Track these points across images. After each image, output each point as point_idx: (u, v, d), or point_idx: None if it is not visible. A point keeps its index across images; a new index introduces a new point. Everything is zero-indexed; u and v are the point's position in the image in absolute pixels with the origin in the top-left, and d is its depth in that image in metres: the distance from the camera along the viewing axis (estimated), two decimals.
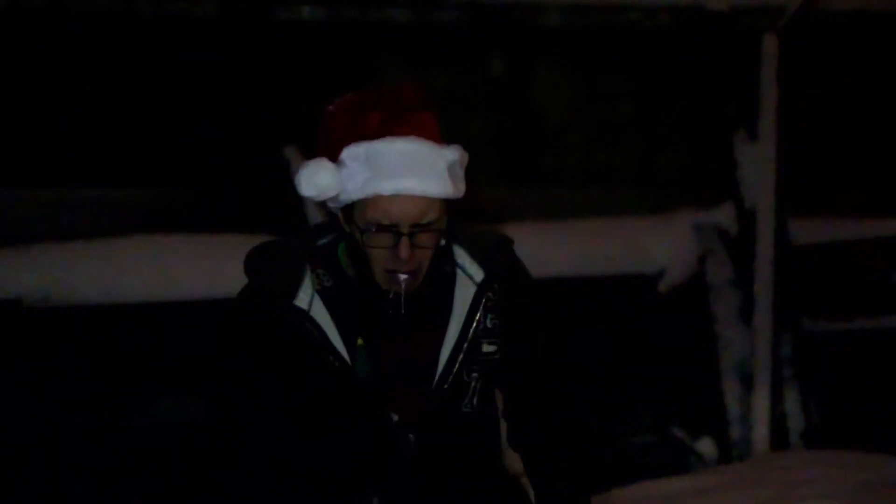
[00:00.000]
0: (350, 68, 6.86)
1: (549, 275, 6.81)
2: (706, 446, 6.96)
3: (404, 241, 3.06)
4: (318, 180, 3.15)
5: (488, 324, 3.14)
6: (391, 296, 3.07)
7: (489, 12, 6.94)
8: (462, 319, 3.15)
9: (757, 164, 7.09)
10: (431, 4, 6.84)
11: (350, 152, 3.12)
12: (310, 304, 3.13)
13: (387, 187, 3.06)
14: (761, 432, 6.83)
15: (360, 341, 3.10)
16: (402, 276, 3.06)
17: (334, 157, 3.15)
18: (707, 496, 5.81)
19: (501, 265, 3.25)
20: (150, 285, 6.38)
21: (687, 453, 7.01)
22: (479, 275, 3.19)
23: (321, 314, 3.12)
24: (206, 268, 6.47)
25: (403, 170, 3.06)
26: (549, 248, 6.88)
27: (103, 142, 6.64)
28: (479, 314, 3.14)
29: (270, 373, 3.10)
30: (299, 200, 6.65)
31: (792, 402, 6.92)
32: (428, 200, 3.07)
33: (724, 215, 7.17)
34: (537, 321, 3.28)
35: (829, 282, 7.20)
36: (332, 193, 3.13)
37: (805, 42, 7.26)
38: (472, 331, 3.14)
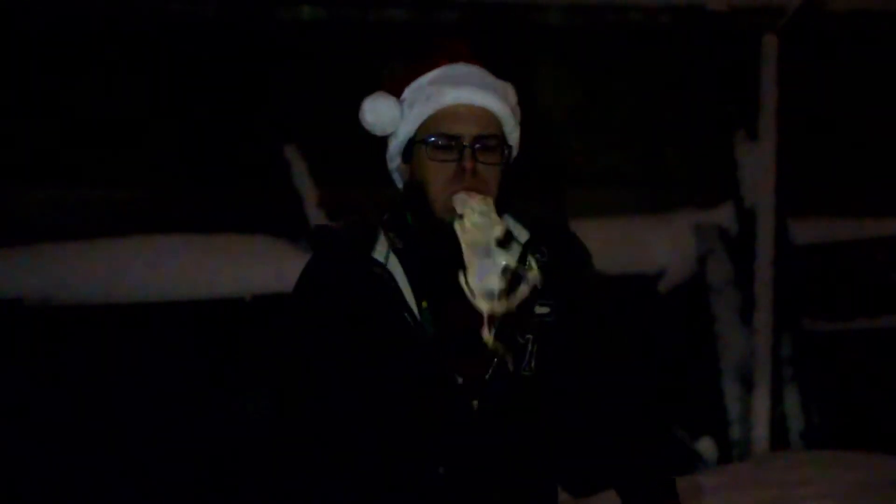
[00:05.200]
0: (350, 68, 6.86)
1: None
2: (706, 446, 6.96)
3: (467, 152, 3.10)
4: (379, 107, 3.21)
5: (538, 285, 3.14)
6: (451, 225, 3.07)
7: (489, 12, 6.94)
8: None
9: (757, 164, 7.09)
10: (431, 4, 6.85)
11: (412, 85, 3.21)
12: (386, 259, 3.16)
13: (449, 97, 3.14)
14: (761, 432, 6.83)
15: (424, 304, 3.12)
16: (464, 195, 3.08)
17: (395, 92, 3.23)
18: (707, 496, 5.81)
19: (549, 229, 3.28)
20: (150, 285, 6.39)
21: (687, 453, 7.01)
22: (524, 236, 3.22)
23: (397, 271, 3.15)
24: (206, 268, 6.48)
25: (465, 82, 3.14)
26: None
27: (103, 142, 6.64)
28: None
29: (345, 336, 3.11)
30: (299, 200, 6.65)
31: (792, 402, 6.92)
32: (489, 115, 3.16)
33: (724, 215, 7.17)
34: (594, 286, 3.30)
35: (829, 282, 7.21)
36: (393, 124, 3.18)
37: (805, 42, 7.26)
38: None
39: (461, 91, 3.16)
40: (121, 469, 6.35)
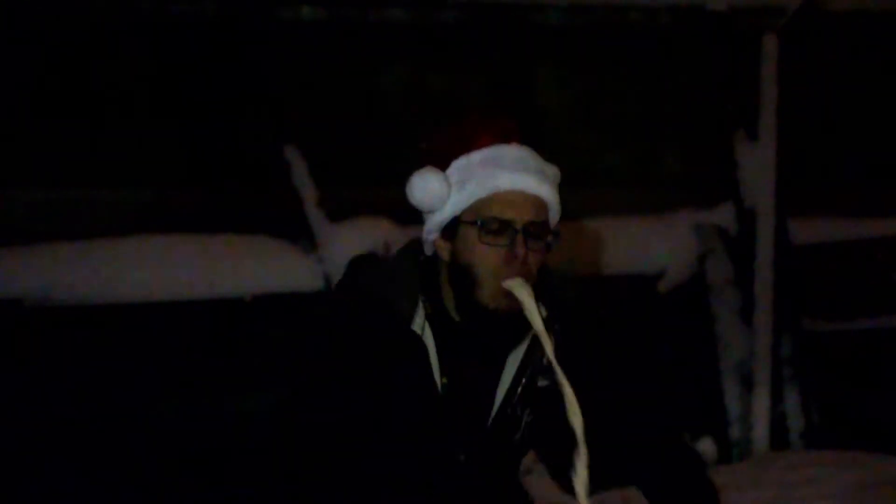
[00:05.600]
0: (350, 68, 6.86)
1: None
2: (706, 446, 6.96)
3: (519, 238, 3.09)
4: (430, 185, 3.16)
5: (545, 361, 3.15)
6: (498, 314, 3.06)
7: (489, 12, 6.94)
8: (520, 357, 3.19)
9: (757, 164, 7.09)
10: (431, 4, 6.84)
11: (461, 162, 3.17)
12: (423, 330, 3.15)
13: (505, 182, 3.11)
14: (761, 432, 6.83)
15: (444, 380, 3.13)
16: (516, 279, 3.07)
17: (441, 166, 3.18)
18: None
19: (565, 305, 3.27)
20: (150, 285, 6.39)
21: None
22: (543, 312, 3.20)
23: (430, 342, 3.15)
24: (206, 268, 6.47)
25: (521, 168, 3.12)
26: None
27: (103, 142, 6.64)
28: (536, 355, 3.17)
29: (366, 391, 3.11)
30: (299, 200, 6.65)
31: (792, 402, 6.92)
32: (540, 201, 3.13)
33: (724, 215, 7.17)
34: (604, 362, 3.30)
35: (829, 282, 7.20)
36: (442, 202, 3.14)
37: (805, 42, 7.26)
38: (528, 371, 3.17)
39: (516, 177, 3.13)
40: (121, 469, 6.35)
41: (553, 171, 3.23)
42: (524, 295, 3.07)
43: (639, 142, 7.33)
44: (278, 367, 5.98)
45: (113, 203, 6.60)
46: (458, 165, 3.18)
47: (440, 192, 3.15)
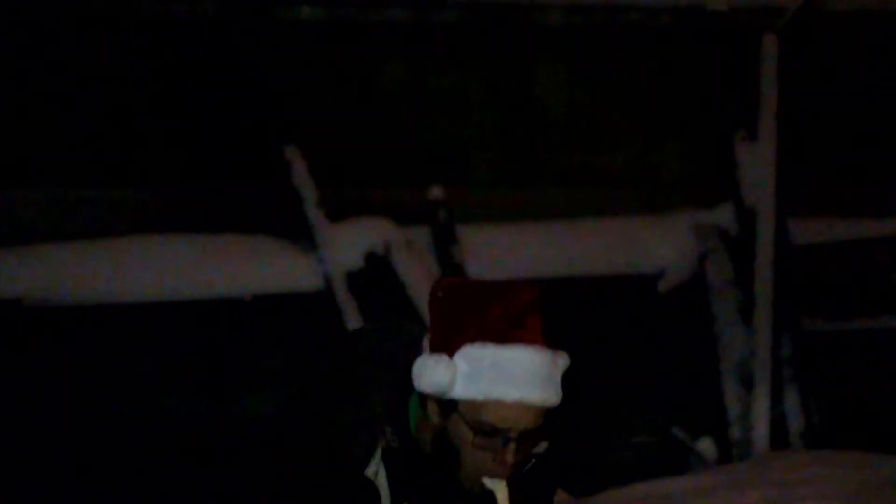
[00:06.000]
0: (350, 68, 6.86)
1: (550, 275, 6.82)
2: (706, 446, 6.96)
3: (512, 446, 3.07)
4: (438, 378, 3.12)
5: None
6: (472, 495, 3.07)
7: (489, 12, 6.94)
8: None
9: (757, 164, 7.09)
10: (431, 4, 6.85)
11: (472, 353, 3.11)
12: (376, 473, 3.13)
13: (512, 395, 3.07)
14: (761, 432, 6.83)
15: None
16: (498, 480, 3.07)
17: (450, 350, 3.12)
18: (707, 496, 5.81)
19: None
20: (150, 285, 6.39)
21: (687, 453, 7.01)
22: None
23: (382, 481, 3.13)
24: (206, 268, 6.48)
25: (529, 379, 3.06)
26: (549, 248, 6.88)
27: (103, 142, 6.64)
28: None
29: None
30: (299, 200, 6.65)
31: (792, 402, 6.92)
32: (542, 409, 3.10)
33: (724, 215, 7.17)
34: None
35: (829, 282, 7.21)
36: (446, 392, 3.11)
37: (805, 42, 7.26)
38: None
39: (525, 391, 3.09)
40: (120, 469, 6.35)
41: (563, 363, 3.17)
42: (500, 498, 3.08)
43: (639, 142, 7.34)
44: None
45: (113, 203, 6.61)
46: (468, 355, 3.12)
47: (448, 385, 3.12)
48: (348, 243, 6.62)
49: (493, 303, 3.07)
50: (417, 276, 6.59)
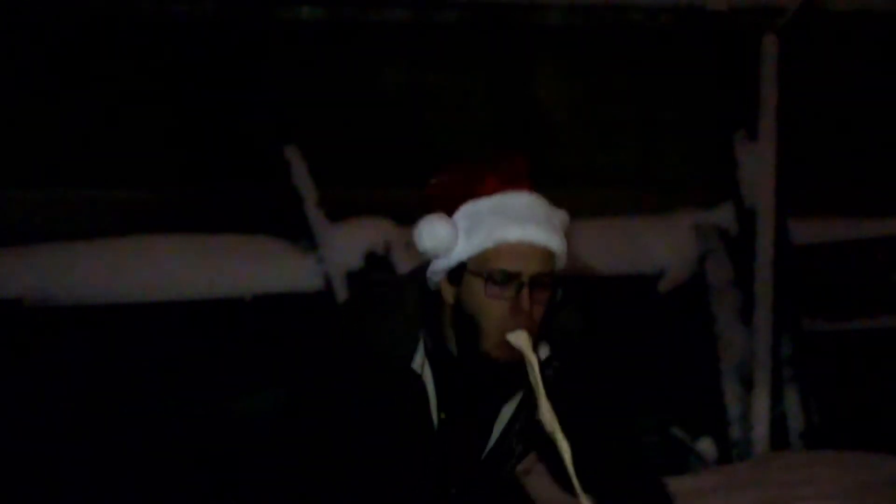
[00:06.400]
0: (350, 68, 6.86)
1: None
2: (706, 446, 6.96)
3: (525, 291, 3.07)
4: (438, 232, 3.13)
5: (538, 416, 3.15)
6: (500, 363, 3.05)
7: (489, 12, 6.94)
8: (519, 397, 3.19)
9: (757, 164, 7.09)
10: (431, 4, 6.84)
11: (469, 209, 3.14)
12: (422, 368, 3.15)
13: (514, 233, 3.09)
14: (761, 432, 6.83)
15: (442, 415, 3.12)
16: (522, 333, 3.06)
17: (448, 211, 3.15)
18: (707, 496, 5.81)
19: (567, 346, 3.27)
20: (150, 285, 6.39)
21: (687, 453, 7.01)
22: (543, 352, 3.20)
23: (428, 378, 3.14)
24: (206, 268, 6.48)
25: (529, 218, 3.11)
26: None
27: (103, 142, 6.64)
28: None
29: (363, 428, 3.11)
30: (299, 200, 6.65)
31: (792, 402, 6.92)
32: (548, 252, 3.11)
33: (724, 215, 7.17)
34: (603, 409, 3.30)
35: (829, 282, 7.20)
36: (450, 248, 3.12)
37: (805, 42, 7.26)
38: (527, 410, 3.17)
39: (526, 229, 3.11)
40: (120, 469, 6.35)
41: (561, 217, 3.21)
42: (526, 349, 3.06)
43: (639, 142, 7.33)
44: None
45: (113, 203, 6.61)
46: (467, 212, 3.15)
47: (448, 240, 3.13)
48: (348, 243, 6.62)
49: (490, 170, 3.12)
50: None
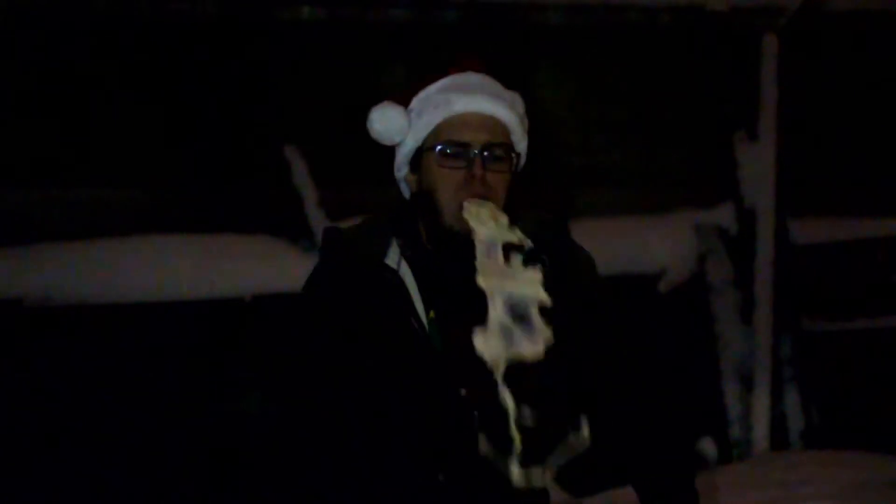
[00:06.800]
0: (350, 68, 6.86)
1: None
2: (706, 446, 6.96)
3: (476, 159, 3.11)
4: (388, 115, 3.23)
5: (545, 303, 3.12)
6: (462, 236, 3.07)
7: (489, 12, 6.94)
8: None
9: (757, 164, 7.09)
10: (431, 4, 6.84)
11: (420, 95, 3.23)
12: (398, 266, 3.16)
13: (458, 105, 3.17)
14: (761, 432, 6.83)
15: (431, 314, 3.12)
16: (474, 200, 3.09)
17: (402, 103, 3.24)
18: (707, 496, 5.80)
19: (550, 239, 3.28)
20: (150, 285, 6.39)
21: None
22: (526, 244, 3.21)
23: (408, 278, 3.15)
24: (206, 268, 6.48)
25: (476, 91, 3.20)
26: None
27: (103, 142, 6.64)
28: None
29: (353, 340, 3.11)
30: (299, 200, 6.65)
31: (792, 402, 6.92)
32: (498, 123, 3.18)
33: (724, 215, 7.17)
34: (598, 296, 3.29)
35: (829, 282, 7.21)
36: (402, 132, 3.18)
37: (805, 42, 7.26)
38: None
39: (471, 99, 3.18)
40: (120, 469, 6.35)
41: (512, 95, 3.27)
42: (482, 213, 3.08)
43: (639, 142, 7.33)
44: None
45: (113, 203, 6.61)
46: (418, 98, 3.24)
47: (398, 123, 3.22)
48: None
49: (444, 66, 3.19)
50: None
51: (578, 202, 7.10)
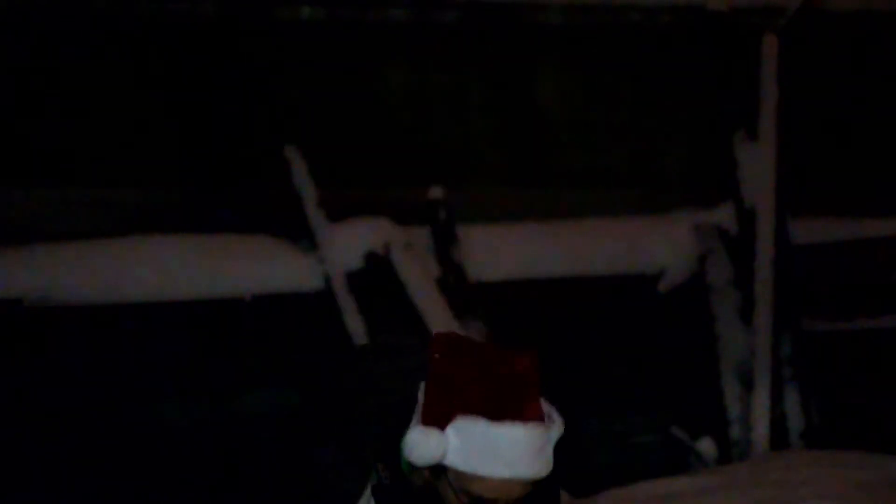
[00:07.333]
0: (350, 68, 6.86)
1: (550, 275, 6.82)
2: (706, 446, 6.97)
3: None
4: (429, 453, 3.10)
5: None
6: None
7: (489, 12, 6.95)
8: None
9: (757, 164, 7.09)
10: (431, 4, 6.85)
11: (464, 427, 3.08)
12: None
13: (502, 473, 3.06)
14: (761, 432, 6.83)
15: None
16: None
17: (442, 421, 3.10)
18: (707, 496, 5.81)
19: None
20: (150, 285, 6.39)
21: (687, 453, 7.01)
22: None
23: None
24: (206, 268, 6.48)
25: (520, 457, 3.06)
26: (548, 248, 6.88)
27: (104, 142, 6.64)
28: None
29: None
30: (299, 200, 6.65)
31: (792, 402, 6.92)
32: (532, 481, 3.10)
33: (724, 215, 7.18)
34: None
35: (829, 282, 7.21)
36: (437, 459, 3.10)
37: (805, 42, 7.26)
38: None
39: (516, 469, 3.08)
40: (120, 468, 6.35)
41: (555, 434, 3.15)
42: None
43: (639, 142, 7.34)
44: None
45: (113, 203, 6.61)
46: (461, 428, 3.10)
47: (435, 456, 3.10)
48: (348, 243, 6.63)
49: (490, 372, 3.04)
50: (417, 276, 6.59)
51: (578, 202, 7.11)
